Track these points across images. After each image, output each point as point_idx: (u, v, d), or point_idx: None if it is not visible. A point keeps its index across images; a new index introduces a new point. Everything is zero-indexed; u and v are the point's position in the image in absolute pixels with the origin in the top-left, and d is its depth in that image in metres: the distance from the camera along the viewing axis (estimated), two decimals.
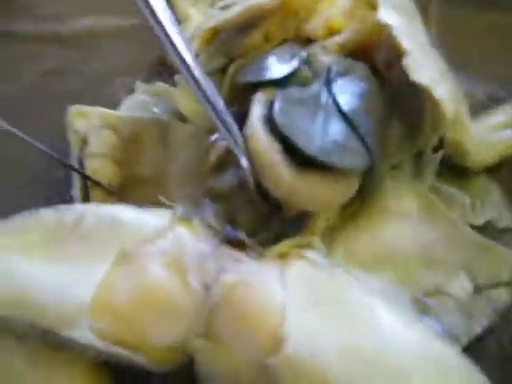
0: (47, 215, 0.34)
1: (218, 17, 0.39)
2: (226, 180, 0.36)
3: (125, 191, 0.41)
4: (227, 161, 0.36)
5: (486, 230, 0.40)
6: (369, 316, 0.30)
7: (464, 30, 0.49)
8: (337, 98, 0.35)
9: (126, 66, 0.50)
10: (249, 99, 0.37)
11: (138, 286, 0.30)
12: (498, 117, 0.42)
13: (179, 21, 0.49)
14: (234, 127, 0.35)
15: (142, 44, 0.51)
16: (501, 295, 0.37)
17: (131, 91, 0.48)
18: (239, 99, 0.38)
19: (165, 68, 0.48)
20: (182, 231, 0.33)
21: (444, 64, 0.38)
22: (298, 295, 0.30)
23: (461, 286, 0.37)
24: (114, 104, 0.47)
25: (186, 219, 0.34)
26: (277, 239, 0.35)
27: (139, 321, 0.30)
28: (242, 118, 0.37)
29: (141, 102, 0.47)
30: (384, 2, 0.38)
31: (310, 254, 0.33)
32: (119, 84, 0.49)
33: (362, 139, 0.34)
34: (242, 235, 0.33)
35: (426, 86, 0.34)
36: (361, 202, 0.39)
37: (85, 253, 0.32)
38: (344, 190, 0.35)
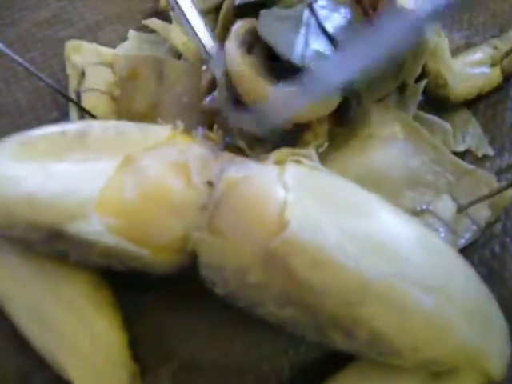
0: (52, 129, 0.35)
1: None
2: (218, 98, 0.37)
3: None
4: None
5: (467, 157, 0.43)
6: (368, 206, 0.31)
7: None
8: (319, 17, 0.37)
9: (118, 15, 0.51)
10: None
11: (144, 183, 0.31)
12: (475, 55, 0.45)
13: None
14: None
15: None
16: (482, 212, 0.39)
17: (124, 39, 0.49)
18: None
19: (158, 17, 0.49)
20: (184, 140, 0.34)
21: None
22: (296, 188, 0.31)
23: (445, 205, 0.39)
24: None
25: (186, 132, 0.35)
26: None
27: (145, 215, 0.31)
28: None
29: (134, 48, 0.48)
30: None
31: (307, 161, 0.34)
32: (112, 32, 0.50)
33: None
34: (241, 143, 0.35)
35: (410, 12, 0.37)
36: (348, 131, 0.42)
37: (90, 158, 0.32)
38: (322, 105, 0.37)
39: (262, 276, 0.30)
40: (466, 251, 0.38)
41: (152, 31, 0.48)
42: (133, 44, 0.48)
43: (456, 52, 0.46)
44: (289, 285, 0.29)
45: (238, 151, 0.34)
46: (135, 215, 0.31)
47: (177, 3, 0.36)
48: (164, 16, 0.48)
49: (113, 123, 0.35)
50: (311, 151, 0.36)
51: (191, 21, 0.36)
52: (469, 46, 0.47)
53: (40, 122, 0.45)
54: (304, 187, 0.31)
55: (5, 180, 0.32)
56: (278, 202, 0.30)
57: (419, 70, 0.40)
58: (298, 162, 0.34)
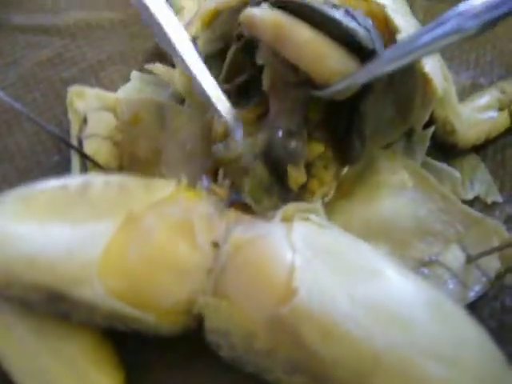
0: (53, 183, 0.34)
1: (219, 0, 0.40)
2: (232, 147, 0.36)
3: (123, 172, 0.42)
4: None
5: (476, 204, 0.42)
6: (377, 268, 0.31)
7: None
8: None
9: (121, 55, 0.51)
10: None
11: (147, 245, 0.31)
12: (483, 99, 0.44)
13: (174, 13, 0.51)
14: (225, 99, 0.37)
15: (133, 36, 0.52)
16: (491, 263, 0.38)
17: (127, 80, 0.49)
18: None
19: (160, 58, 0.48)
20: (188, 196, 0.33)
21: None
22: (305, 250, 0.30)
23: (454, 256, 0.38)
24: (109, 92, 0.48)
25: (191, 187, 0.34)
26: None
27: (148, 280, 0.31)
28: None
29: (136, 89, 0.48)
30: None
31: (314, 217, 0.34)
32: (114, 72, 0.49)
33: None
34: (247, 199, 0.34)
35: (418, 63, 0.36)
36: (356, 179, 0.41)
37: (92, 216, 0.32)
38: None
39: (270, 343, 0.29)
40: (475, 304, 0.37)
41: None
42: (135, 85, 0.48)
43: (463, 93, 0.46)
44: (298, 353, 0.29)
45: (245, 207, 0.34)
46: (138, 279, 0.30)
47: (192, 73, 0.36)
48: (166, 56, 0.48)
49: (115, 178, 0.34)
50: (318, 205, 0.36)
51: (209, 91, 0.35)
52: (475, 86, 0.47)
53: (41, 166, 0.45)
54: (312, 248, 0.31)
55: (5, 239, 0.31)
56: (286, 265, 0.29)
57: (427, 117, 0.40)
58: (306, 218, 0.33)
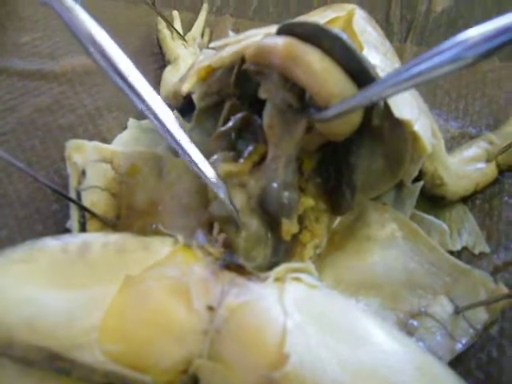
0: (52, 244, 0.35)
1: (215, 56, 0.41)
2: (228, 206, 0.37)
3: (121, 222, 0.43)
4: (230, 188, 0.38)
5: (463, 255, 0.43)
6: (365, 332, 0.32)
7: None
8: None
9: (118, 102, 0.52)
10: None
11: (145, 308, 0.32)
12: (471, 150, 0.45)
13: (168, 61, 0.52)
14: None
15: None
16: (479, 314, 0.39)
17: (124, 127, 0.50)
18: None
19: None
20: (185, 258, 0.34)
21: (422, 101, 0.42)
22: (296, 314, 0.31)
23: (442, 307, 0.40)
24: (106, 139, 0.49)
25: (187, 247, 0.35)
26: (271, 266, 0.37)
27: (146, 342, 0.31)
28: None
29: (133, 137, 0.49)
30: (366, 43, 0.41)
31: (306, 277, 0.35)
32: (111, 120, 0.50)
33: None
34: (241, 260, 0.35)
35: (407, 122, 0.37)
36: (347, 231, 0.42)
37: (92, 279, 0.33)
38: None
39: None
40: (462, 355, 0.39)
41: None
42: (132, 133, 0.49)
43: (452, 141, 0.47)
44: None
45: (239, 268, 0.35)
46: (136, 342, 0.31)
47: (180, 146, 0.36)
48: None
49: (113, 238, 0.35)
50: (309, 265, 0.37)
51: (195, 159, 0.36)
52: (464, 136, 0.48)
53: (40, 213, 0.46)
54: (303, 312, 0.32)
55: (6, 302, 0.32)
56: (278, 330, 0.30)
57: (416, 172, 0.41)
58: (298, 279, 0.34)
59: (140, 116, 0.50)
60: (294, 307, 0.32)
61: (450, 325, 0.39)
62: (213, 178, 0.36)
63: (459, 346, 0.39)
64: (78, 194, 0.42)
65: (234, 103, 0.42)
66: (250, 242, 0.38)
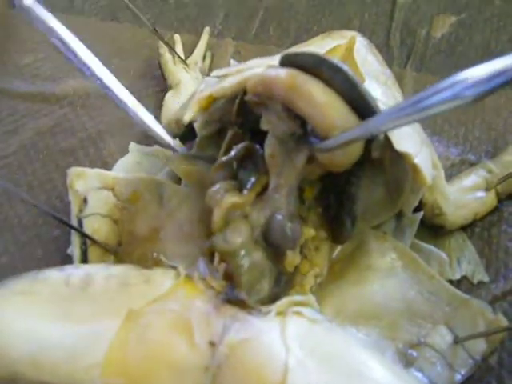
0: (55, 276, 0.35)
1: (216, 86, 0.41)
2: (231, 240, 0.37)
3: (122, 249, 0.43)
4: (232, 220, 0.38)
5: (463, 284, 0.44)
6: (365, 368, 0.32)
7: None
8: None
9: (119, 125, 0.52)
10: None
11: (147, 343, 0.32)
12: (470, 179, 0.45)
13: (170, 86, 0.52)
14: None
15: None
16: (478, 346, 0.40)
17: (125, 151, 0.50)
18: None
19: None
20: (187, 291, 0.35)
21: (422, 131, 0.42)
22: (298, 350, 0.31)
23: (441, 337, 0.40)
24: (107, 164, 0.49)
25: (188, 280, 0.36)
26: (272, 297, 0.38)
27: (148, 377, 0.31)
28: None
29: (134, 162, 0.49)
30: (367, 74, 0.42)
31: (307, 311, 0.35)
32: (113, 144, 0.51)
33: None
34: (242, 295, 0.35)
35: (407, 155, 0.38)
36: (347, 260, 0.42)
37: (94, 313, 0.33)
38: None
39: None
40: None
41: (153, 143, 0.49)
42: (133, 158, 0.49)
43: (452, 168, 0.48)
44: None
45: (240, 302, 0.35)
46: (138, 377, 0.31)
47: None
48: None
49: (116, 271, 0.35)
50: (311, 298, 0.37)
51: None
52: (464, 162, 0.49)
53: (42, 239, 0.47)
54: (305, 347, 0.32)
55: (8, 336, 0.32)
56: (279, 368, 0.31)
57: (416, 203, 0.41)
58: (299, 313, 0.34)
59: (142, 140, 0.50)
60: (295, 343, 0.32)
61: (449, 355, 0.39)
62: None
63: (458, 377, 0.39)
64: (80, 221, 0.43)
65: (236, 132, 0.43)
66: (253, 275, 0.38)
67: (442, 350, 0.40)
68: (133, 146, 0.50)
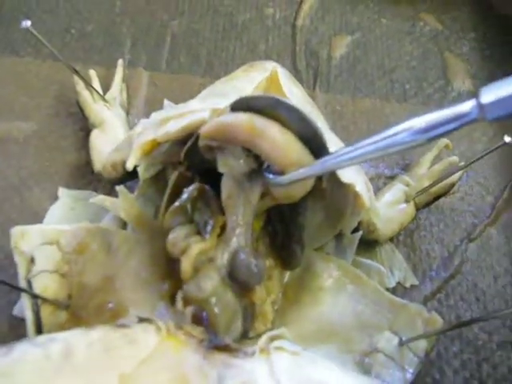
0: (32, 352, 0.34)
1: (160, 130, 0.41)
2: (203, 287, 0.38)
3: (74, 303, 0.42)
4: (200, 266, 0.39)
5: (398, 289, 0.48)
6: None
7: (344, 113, 0.57)
8: None
9: (43, 171, 0.49)
10: None
11: None
12: (391, 193, 0.50)
13: (93, 125, 0.51)
14: None
15: (51, 148, 0.51)
16: (420, 344, 0.44)
17: (55, 198, 0.48)
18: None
19: (84, 170, 0.49)
20: (172, 345, 0.35)
21: None
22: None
23: (388, 342, 0.44)
24: (37, 213, 0.47)
25: (170, 334, 0.36)
26: (242, 333, 0.40)
27: None
28: None
29: (68, 208, 0.47)
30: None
31: (286, 344, 0.37)
32: (40, 192, 0.48)
33: None
34: (227, 340, 0.37)
35: (350, 184, 0.41)
36: (298, 284, 0.45)
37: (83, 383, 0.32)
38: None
39: None
40: (413, 383, 0.44)
41: (82, 186, 0.48)
42: (65, 203, 0.47)
43: (370, 182, 0.52)
44: None
45: (224, 347, 0.36)
46: None
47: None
48: (90, 167, 0.48)
49: (96, 336, 0.34)
50: (284, 331, 0.39)
51: None
52: (380, 177, 0.54)
53: None
54: (295, 381, 0.34)
55: None
56: None
57: (356, 224, 0.45)
58: (280, 348, 0.36)
59: (70, 184, 0.48)
60: (285, 377, 0.34)
61: (398, 357, 0.44)
62: None
63: (409, 376, 0.43)
64: (29, 282, 0.41)
65: (182, 173, 0.43)
66: (228, 315, 0.39)
67: (391, 353, 0.44)
68: (62, 191, 0.48)
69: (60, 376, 0.33)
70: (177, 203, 0.42)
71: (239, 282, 0.40)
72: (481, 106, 0.23)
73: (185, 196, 0.42)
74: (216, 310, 0.38)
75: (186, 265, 0.39)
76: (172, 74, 0.58)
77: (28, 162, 0.50)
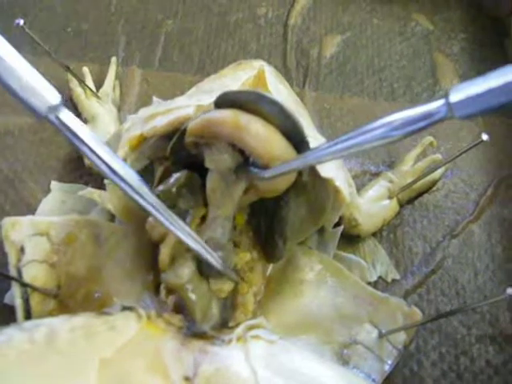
0: (17, 336, 0.35)
1: (147, 126, 0.43)
2: (180, 274, 0.40)
3: (62, 292, 0.43)
4: (177, 255, 0.40)
5: (379, 283, 0.50)
6: (323, 378, 0.37)
7: (332, 111, 0.59)
8: None
9: (37, 164, 0.51)
10: None
11: None
12: (375, 189, 0.51)
13: (85, 120, 0.52)
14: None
15: (45, 142, 0.53)
16: (399, 337, 0.46)
17: (47, 190, 0.50)
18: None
19: (76, 164, 0.50)
20: (151, 332, 0.37)
21: None
22: (265, 372, 0.35)
23: (368, 334, 0.45)
24: (31, 205, 0.49)
25: (151, 321, 0.37)
26: (222, 321, 0.41)
27: None
28: None
29: (59, 201, 0.49)
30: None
31: (262, 333, 0.38)
32: (33, 184, 0.50)
33: None
34: (204, 327, 0.38)
35: (330, 179, 0.42)
36: (281, 276, 0.46)
37: (66, 368, 0.34)
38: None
39: None
40: (390, 373, 0.45)
41: (74, 180, 0.50)
42: (57, 197, 0.49)
43: (355, 179, 0.53)
44: None
45: (202, 334, 0.38)
46: None
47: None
48: (83, 161, 0.50)
49: (79, 322, 0.36)
50: (262, 320, 0.40)
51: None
52: (365, 173, 0.55)
53: None
54: (270, 368, 0.36)
55: None
56: None
57: (337, 219, 0.46)
58: (257, 337, 0.38)
59: (63, 177, 0.50)
60: (260, 364, 0.36)
61: (376, 349, 0.45)
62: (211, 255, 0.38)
63: (387, 367, 0.45)
64: (19, 271, 0.42)
65: (168, 167, 0.44)
66: (203, 303, 0.40)
67: (370, 345, 0.45)
68: (54, 184, 0.50)
69: (43, 359, 0.34)
70: (161, 186, 0.43)
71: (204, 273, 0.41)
72: (449, 105, 0.24)
73: (172, 180, 0.43)
74: (192, 296, 0.39)
75: (163, 253, 0.40)
76: (164, 72, 0.59)
77: (22, 155, 0.52)
